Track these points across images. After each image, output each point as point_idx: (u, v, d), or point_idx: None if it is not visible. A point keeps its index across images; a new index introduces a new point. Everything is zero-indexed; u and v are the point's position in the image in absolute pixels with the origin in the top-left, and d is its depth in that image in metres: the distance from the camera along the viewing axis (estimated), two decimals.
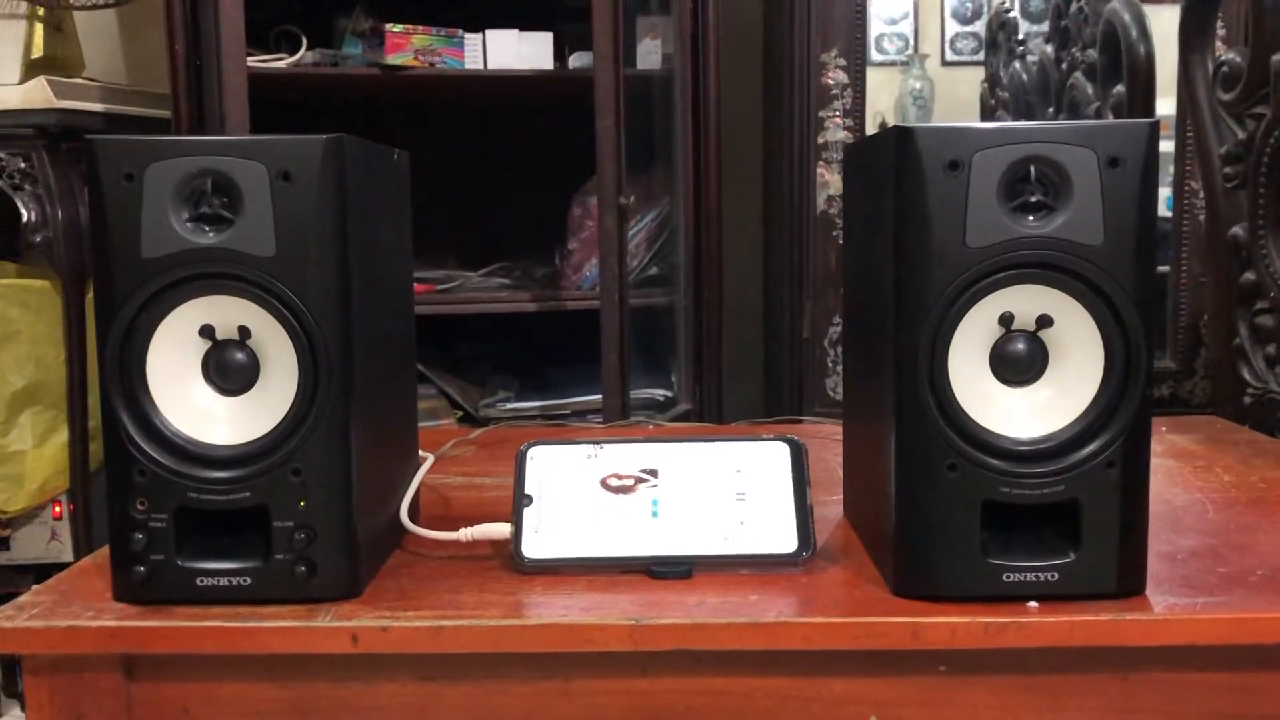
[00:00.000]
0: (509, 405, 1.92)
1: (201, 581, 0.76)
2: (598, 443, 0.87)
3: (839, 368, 1.84)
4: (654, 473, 0.85)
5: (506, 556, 0.83)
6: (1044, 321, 0.74)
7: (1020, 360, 0.75)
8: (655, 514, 0.83)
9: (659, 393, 1.89)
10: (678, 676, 0.75)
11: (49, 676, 0.75)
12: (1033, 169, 0.73)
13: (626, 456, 0.86)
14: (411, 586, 0.80)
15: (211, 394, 0.77)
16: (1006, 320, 0.74)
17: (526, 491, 0.85)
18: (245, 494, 0.76)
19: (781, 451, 0.86)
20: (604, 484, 0.85)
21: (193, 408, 0.76)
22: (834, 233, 1.84)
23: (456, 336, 2.10)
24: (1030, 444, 0.74)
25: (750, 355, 1.99)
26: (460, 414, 1.95)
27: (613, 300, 1.66)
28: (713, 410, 1.83)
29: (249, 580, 0.76)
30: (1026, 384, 0.75)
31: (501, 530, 0.84)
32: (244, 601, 0.76)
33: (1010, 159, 0.72)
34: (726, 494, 0.84)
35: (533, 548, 0.82)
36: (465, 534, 0.85)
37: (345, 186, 0.75)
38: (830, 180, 1.84)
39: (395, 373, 0.90)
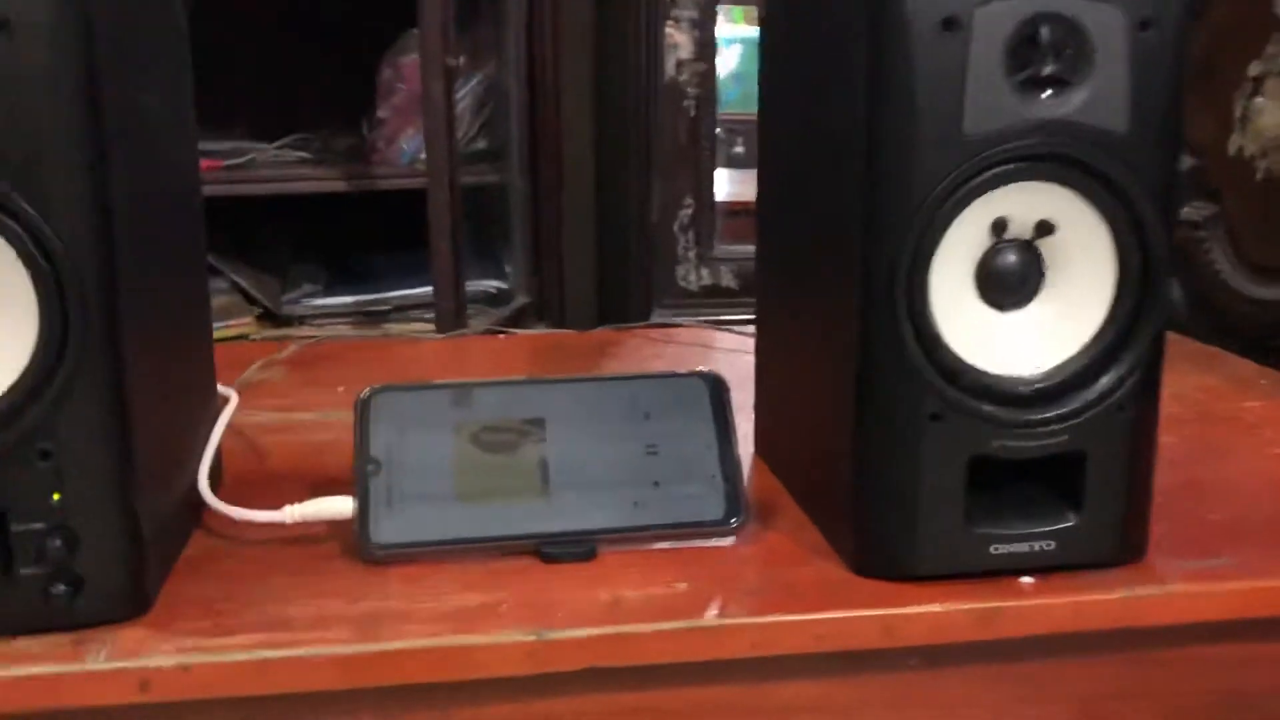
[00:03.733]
0: (317, 300, 1.67)
1: None
2: (463, 385, 0.67)
3: (691, 254, 1.68)
4: (539, 423, 0.66)
5: (349, 541, 0.63)
6: (1044, 228, 0.59)
7: (1011, 276, 0.59)
8: (544, 477, 0.65)
9: (491, 284, 1.68)
10: (588, 694, 0.58)
11: None
12: (1045, 31, 0.55)
13: (502, 403, 0.67)
14: (220, 593, 0.59)
15: None
16: (1000, 227, 0.58)
17: (372, 454, 0.64)
18: None
19: (698, 390, 0.68)
20: (475, 440, 0.66)
21: None
22: (684, 103, 1.65)
23: (249, 220, 1.81)
24: (1028, 384, 0.59)
25: (584, 241, 1.80)
26: (258, 311, 1.69)
27: (442, 180, 1.42)
28: (554, 304, 1.64)
29: None
30: (1017, 306, 0.60)
31: (341, 507, 0.64)
32: None
33: (1019, 17, 0.55)
34: (634, 447, 0.66)
35: (385, 529, 0.62)
36: (292, 514, 0.64)
37: (92, 38, 0.51)
38: (680, 41, 1.64)
39: (181, 290, 0.67)
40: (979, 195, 0.57)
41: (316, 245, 1.85)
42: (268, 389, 0.95)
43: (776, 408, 0.75)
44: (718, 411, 0.68)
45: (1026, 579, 0.60)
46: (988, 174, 0.56)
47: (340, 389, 0.95)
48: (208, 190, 1.61)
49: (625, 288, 1.71)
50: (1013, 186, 0.57)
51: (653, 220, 1.67)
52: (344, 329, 1.65)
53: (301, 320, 1.66)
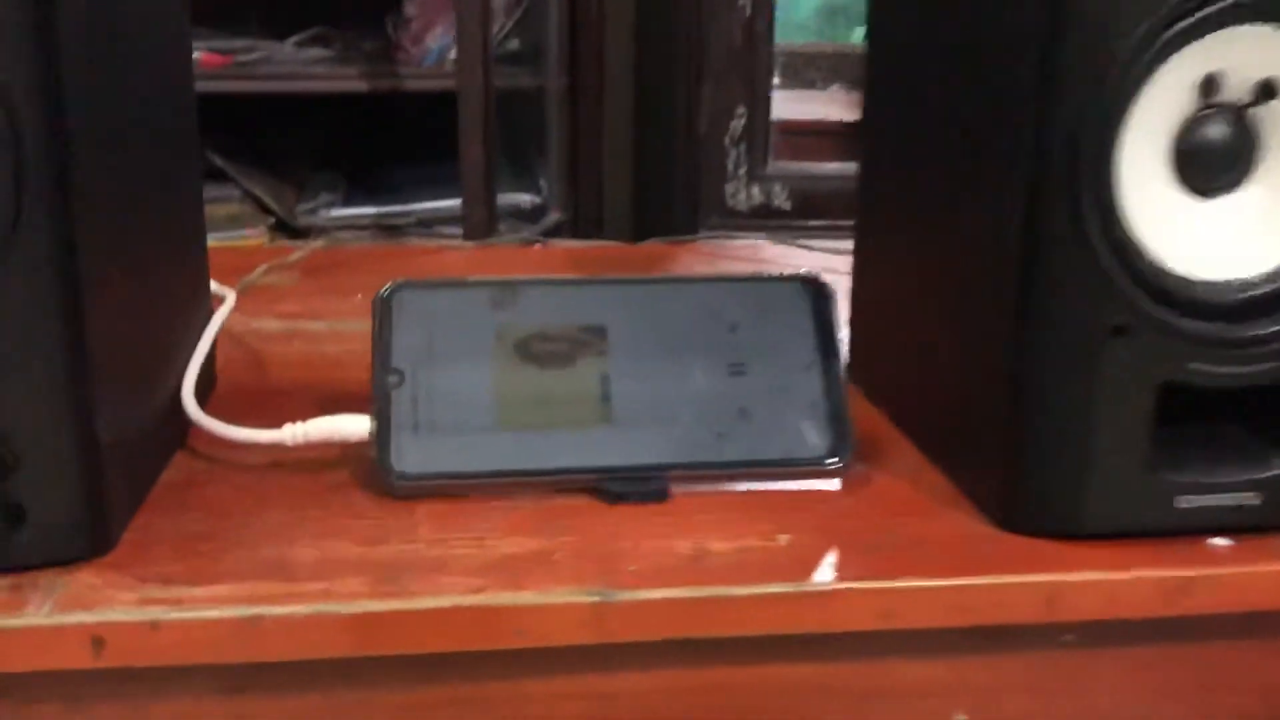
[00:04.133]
0: (336, 211, 1.54)
1: None
2: (506, 283, 0.55)
3: (742, 171, 1.54)
4: (600, 331, 0.54)
5: (366, 469, 0.51)
6: (1267, 90, 0.45)
7: (1219, 151, 0.46)
8: (605, 398, 0.52)
9: (524, 198, 1.55)
10: (662, 669, 0.46)
11: None
12: None
13: (555, 305, 0.54)
14: (202, 529, 0.47)
15: None
16: (1210, 86, 0.45)
17: (395, 364, 0.52)
18: None
19: (795, 298, 0.55)
20: (521, 350, 0.53)
21: None
22: (740, 2, 1.50)
23: (264, 123, 1.68)
24: (1237, 290, 0.46)
25: (625, 154, 1.65)
26: (272, 221, 1.56)
27: (475, 80, 1.28)
28: (591, 220, 1.51)
29: None
30: (1224, 191, 0.47)
31: (355, 427, 0.52)
32: None
33: None
34: (717, 365, 0.53)
35: (410, 455, 0.50)
36: (295, 434, 0.52)
37: None
38: None
39: (166, 175, 0.55)
40: (1190, 41, 0.43)
41: (335, 153, 1.71)
42: (274, 295, 0.83)
43: (883, 326, 0.62)
44: (820, 324, 0.55)
45: (1220, 540, 0.47)
46: (1206, 10, 0.43)
47: (359, 297, 0.82)
48: (216, 87, 1.47)
49: (668, 205, 1.57)
50: (1232, 30, 0.44)
51: (701, 132, 1.53)
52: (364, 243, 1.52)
53: (318, 232, 1.53)
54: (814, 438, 0.52)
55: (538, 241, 1.02)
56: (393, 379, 0.52)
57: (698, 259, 0.98)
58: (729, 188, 1.55)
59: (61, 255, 0.42)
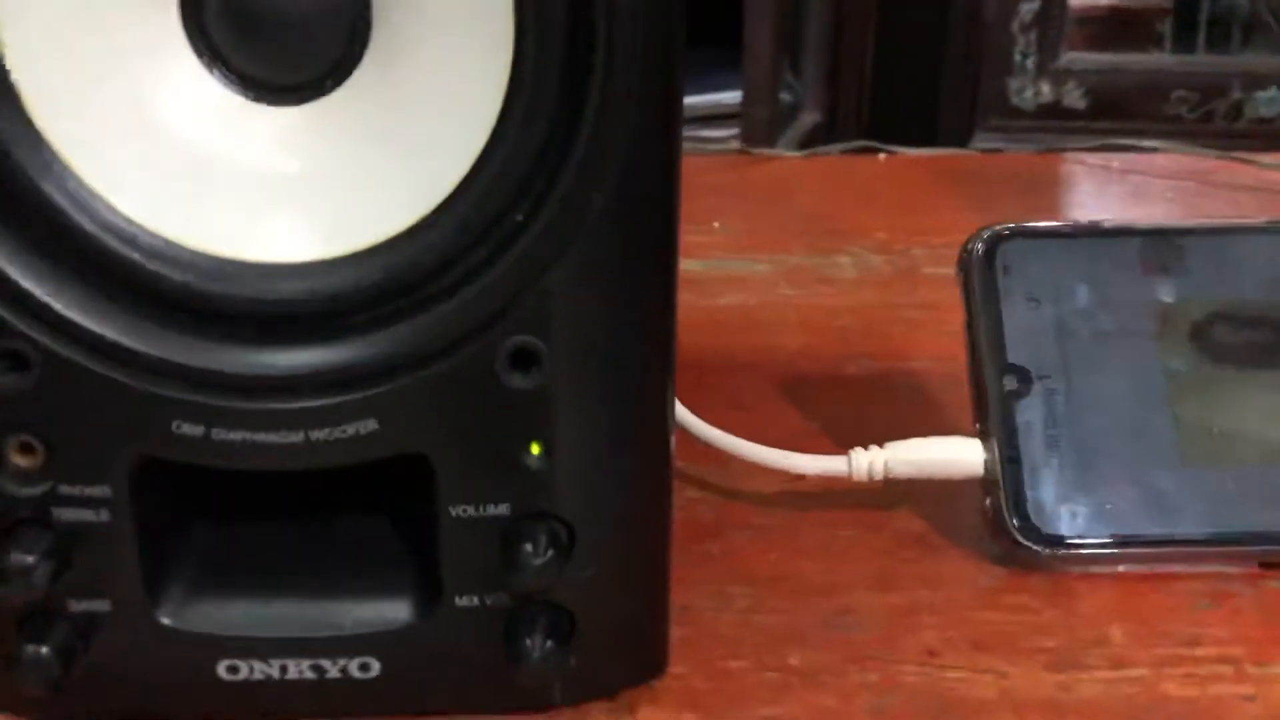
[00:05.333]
0: None
1: (231, 670, 0.26)
2: (1164, 231, 0.36)
3: (1030, 63, 1.31)
4: None
5: (950, 515, 0.34)
6: None
7: None
8: None
9: None
10: None
11: None
12: None
13: (1247, 268, 0.35)
14: (777, 624, 0.31)
15: (217, 96, 0.23)
16: None
17: (1013, 361, 0.34)
18: (361, 423, 0.24)
19: None
20: (1202, 340, 0.34)
21: (161, 146, 0.23)
22: None
23: None
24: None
25: (894, 43, 1.43)
26: None
27: None
28: (851, 123, 1.30)
29: (380, 663, 0.26)
30: None
31: (961, 457, 0.34)
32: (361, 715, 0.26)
33: None
34: None
35: (1057, 509, 0.32)
36: (868, 464, 0.34)
37: None
38: None
39: None
40: None
41: None
42: None
43: None
44: None
45: None
46: None
47: (715, 225, 0.64)
48: None
49: (934, 101, 1.35)
50: None
51: (987, 17, 1.30)
52: None
53: None
54: None
55: (878, 149, 0.82)
56: (1012, 385, 0.34)
57: (1084, 172, 0.78)
58: (1013, 83, 1.33)
59: (663, 206, 0.24)
